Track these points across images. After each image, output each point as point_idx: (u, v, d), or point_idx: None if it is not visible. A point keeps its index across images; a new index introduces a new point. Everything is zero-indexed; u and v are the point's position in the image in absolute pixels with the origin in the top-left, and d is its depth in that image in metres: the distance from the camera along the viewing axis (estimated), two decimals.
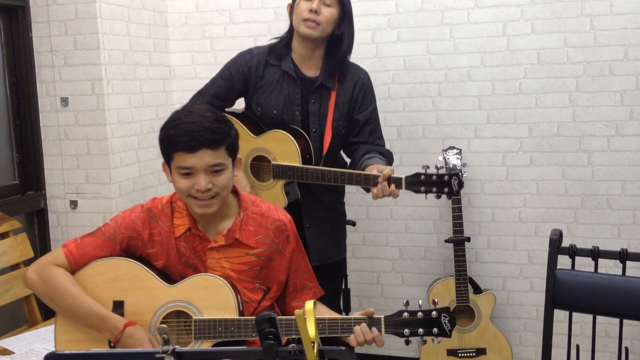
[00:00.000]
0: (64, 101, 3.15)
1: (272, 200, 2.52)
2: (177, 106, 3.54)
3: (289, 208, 2.57)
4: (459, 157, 3.05)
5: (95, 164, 3.14)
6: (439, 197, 2.56)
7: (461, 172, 2.48)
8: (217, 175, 1.82)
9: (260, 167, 2.58)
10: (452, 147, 3.10)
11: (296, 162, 2.48)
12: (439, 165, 2.35)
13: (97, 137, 3.12)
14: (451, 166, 3.05)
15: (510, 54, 3.15)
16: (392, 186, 2.30)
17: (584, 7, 3.03)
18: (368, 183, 2.34)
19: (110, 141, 3.13)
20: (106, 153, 3.12)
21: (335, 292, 2.82)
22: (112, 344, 1.83)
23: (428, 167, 2.34)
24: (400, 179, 2.31)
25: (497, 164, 3.24)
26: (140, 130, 3.34)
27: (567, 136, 3.13)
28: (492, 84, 3.19)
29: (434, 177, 2.29)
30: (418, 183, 2.31)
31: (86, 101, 3.12)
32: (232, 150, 1.87)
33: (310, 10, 2.43)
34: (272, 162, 2.52)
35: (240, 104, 2.71)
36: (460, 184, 2.31)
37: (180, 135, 1.78)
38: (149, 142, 3.40)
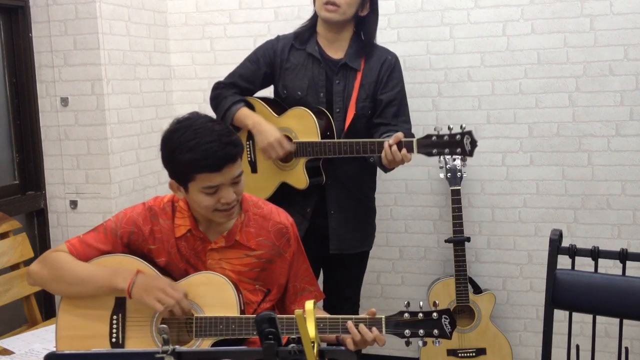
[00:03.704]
0: (64, 101, 3.15)
1: (295, 179, 2.55)
2: (177, 106, 3.62)
3: (315, 195, 2.59)
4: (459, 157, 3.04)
5: (95, 164, 3.14)
6: (453, 159, 2.52)
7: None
8: (238, 185, 1.83)
9: None
10: None
11: (315, 138, 2.48)
12: (450, 126, 2.31)
13: (97, 137, 3.12)
14: (451, 166, 3.05)
15: (510, 54, 3.15)
16: (404, 150, 2.29)
17: (584, 7, 3.03)
18: (381, 150, 2.33)
19: (110, 141, 3.13)
20: (106, 153, 3.12)
21: (354, 284, 2.84)
22: (128, 292, 1.82)
23: (441, 128, 2.31)
24: (412, 142, 2.29)
25: (497, 164, 3.24)
26: (140, 130, 3.34)
27: (567, 136, 3.13)
28: (492, 84, 3.19)
29: (446, 137, 2.26)
30: (430, 145, 2.28)
31: (86, 101, 3.12)
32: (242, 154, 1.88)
33: None
34: (293, 141, 2.53)
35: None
36: (473, 143, 2.25)
37: (204, 159, 1.74)
38: (149, 142, 3.40)
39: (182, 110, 3.52)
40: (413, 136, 2.57)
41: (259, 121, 2.55)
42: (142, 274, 1.84)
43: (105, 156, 3.13)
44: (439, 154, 2.29)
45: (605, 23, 3.01)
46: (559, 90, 3.11)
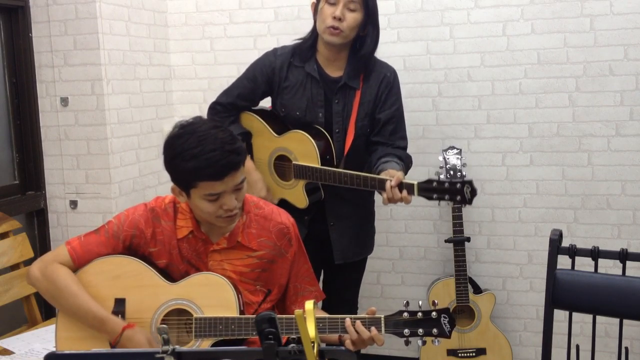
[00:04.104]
0: (64, 101, 3.15)
1: (294, 199, 2.55)
2: (177, 106, 3.62)
3: (313, 207, 2.59)
4: (459, 157, 3.05)
5: (95, 164, 3.14)
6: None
7: (465, 177, 2.38)
8: (240, 192, 1.84)
9: (283, 166, 2.60)
10: (452, 147, 3.10)
11: (315, 163, 2.47)
12: (440, 166, 2.31)
13: (97, 137, 3.12)
14: (451, 166, 3.05)
15: (510, 54, 3.15)
16: (404, 192, 2.27)
17: (584, 7, 3.03)
18: (382, 187, 2.30)
19: (110, 141, 3.13)
20: (106, 153, 3.12)
21: (353, 286, 2.84)
22: (112, 345, 1.83)
23: (442, 173, 2.30)
24: (412, 185, 2.27)
25: (497, 164, 3.24)
26: (140, 130, 3.34)
27: (567, 136, 3.13)
28: (492, 84, 3.19)
29: (447, 185, 2.25)
30: (430, 190, 2.27)
31: (86, 101, 3.12)
32: (245, 160, 1.86)
33: (334, 18, 2.43)
34: (293, 162, 2.53)
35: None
36: (473, 192, 2.24)
37: (207, 167, 1.74)
38: (149, 142, 3.40)
39: (182, 110, 3.57)
40: (409, 157, 2.59)
41: (248, 170, 2.51)
42: (130, 331, 1.81)
43: (105, 156, 3.13)
44: (439, 199, 2.27)
45: (605, 23, 3.01)
46: (559, 90, 3.11)
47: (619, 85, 3.03)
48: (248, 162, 2.53)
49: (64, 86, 3.14)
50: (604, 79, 3.05)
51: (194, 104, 3.55)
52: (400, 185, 2.28)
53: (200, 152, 1.74)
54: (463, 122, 3.24)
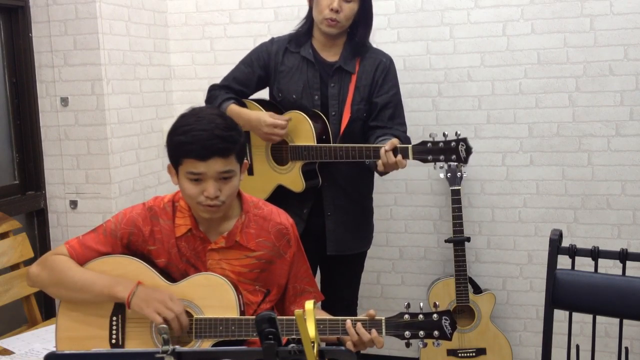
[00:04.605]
0: (64, 101, 3.15)
1: (291, 183, 2.56)
2: (177, 106, 3.62)
3: (312, 196, 2.60)
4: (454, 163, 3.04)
5: (95, 164, 3.14)
6: (448, 166, 2.48)
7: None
8: (226, 182, 1.81)
9: (281, 149, 2.60)
10: None
11: (311, 142, 2.48)
12: (446, 133, 2.31)
13: (97, 137, 3.12)
14: (451, 165, 3.05)
15: (510, 54, 3.15)
16: (399, 156, 2.30)
17: (584, 7, 3.03)
18: (377, 156, 2.33)
19: (110, 141, 3.13)
20: (106, 153, 3.12)
21: (352, 284, 2.83)
22: (127, 303, 1.81)
23: (436, 134, 2.32)
24: (407, 148, 2.30)
25: (497, 164, 3.24)
26: (140, 130, 3.34)
27: (567, 136, 3.13)
28: (492, 84, 3.19)
29: (441, 144, 2.27)
30: (425, 152, 2.30)
31: (86, 101, 3.12)
32: (241, 156, 1.86)
33: (331, 10, 2.46)
34: (289, 144, 2.53)
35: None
36: (468, 150, 2.27)
37: (191, 143, 1.76)
38: (149, 142, 3.40)
39: (182, 110, 3.55)
40: (408, 139, 2.59)
41: (247, 118, 2.53)
42: (143, 286, 1.83)
43: (105, 156, 3.13)
44: (434, 160, 2.30)
45: (605, 23, 3.01)
46: (559, 90, 3.11)
47: (619, 85, 3.03)
48: (242, 110, 2.55)
49: (64, 86, 3.14)
50: (604, 79, 3.05)
51: (194, 104, 3.51)
52: (395, 150, 2.30)
53: (191, 129, 1.77)
54: (463, 122, 3.24)
